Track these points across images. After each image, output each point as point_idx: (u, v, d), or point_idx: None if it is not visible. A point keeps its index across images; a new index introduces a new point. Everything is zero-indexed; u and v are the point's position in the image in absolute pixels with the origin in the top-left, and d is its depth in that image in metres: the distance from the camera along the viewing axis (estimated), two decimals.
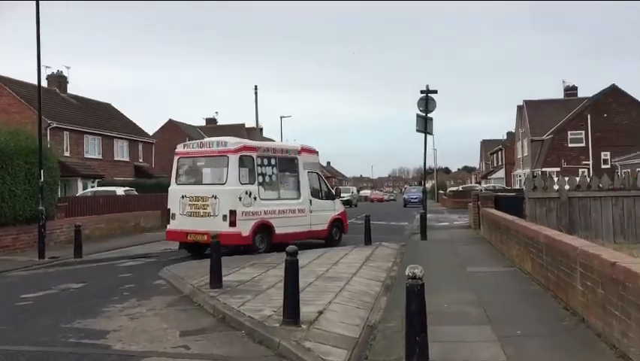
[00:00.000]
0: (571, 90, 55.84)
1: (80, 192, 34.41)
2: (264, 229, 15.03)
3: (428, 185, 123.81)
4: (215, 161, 15.26)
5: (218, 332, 6.97)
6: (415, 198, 56.24)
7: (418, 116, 23.09)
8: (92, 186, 37.69)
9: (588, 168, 47.69)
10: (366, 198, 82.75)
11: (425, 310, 5.04)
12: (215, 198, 14.37)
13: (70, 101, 42.88)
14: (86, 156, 40.18)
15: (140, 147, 47.97)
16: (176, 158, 15.98)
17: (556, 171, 47.57)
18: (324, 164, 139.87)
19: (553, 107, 53.48)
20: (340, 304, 8.12)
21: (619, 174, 39.41)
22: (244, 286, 9.51)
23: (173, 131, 59.67)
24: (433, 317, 6.81)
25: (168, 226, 15.45)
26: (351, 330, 6.82)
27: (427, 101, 23.13)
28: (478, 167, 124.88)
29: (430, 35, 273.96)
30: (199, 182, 15.55)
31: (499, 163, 74.72)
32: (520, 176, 58.61)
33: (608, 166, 46.39)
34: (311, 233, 16.81)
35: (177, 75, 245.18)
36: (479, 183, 79.77)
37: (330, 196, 18.10)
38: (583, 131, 47.93)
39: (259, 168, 15.30)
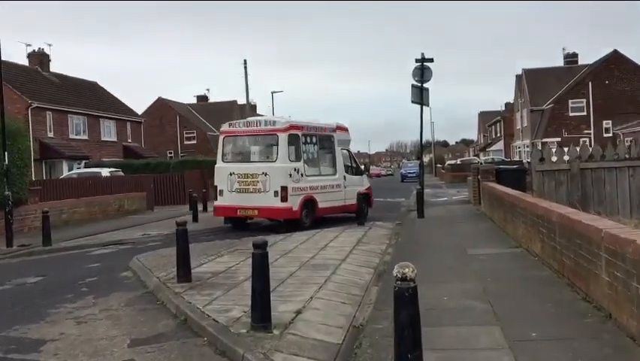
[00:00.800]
0: (571, 58, 54.35)
1: (65, 173, 33.22)
2: (308, 203, 15.71)
3: (426, 159, 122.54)
4: (264, 139, 15.99)
5: (176, 340, 5.86)
6: (413, 173, 55.07)
7: (413, 86, 21.81)
8: (79, 168, 36.54)
9: (590, 138, 46.50)
10: None
11: (419, 319, 3.91)
12: (266, 175, 15.05)
13: (53, 80, 41.38)
14: (70, 137, 38.88)
15: (129, 126, 46.60)
16: (221, 137, 16.55)
17: (557, 142, 46.42)
18: None
19: (554, 75, 52.08)
20: (323, 299, 7.00)
21: (629, 142, 38.39)
22: (217, 279, 8.39)
23: (163, 109, 58.24)
24: (431, 315, 5.73)
25: (216, 202, 16.07)
26: (334, 334, 5.71)
27: (422, 71, 21.84)
28: (476, 139, 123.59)
29: (427, 7, 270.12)
30: (247, 160, 16.15)
31: (498, 135, 73.48)
32: (519, 147, 57.46)
33: (610, 135, 45.23)
34: (344, 207, 17.27)
35: (167, 53, 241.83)
36: (477, 156, 78.60)
37: (358, 172, 18.70)
38: (584, 100, 46.66)
39: (303, 146, 15.96)
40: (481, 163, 27.01)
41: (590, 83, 46.41)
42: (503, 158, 59.54)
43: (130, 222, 19.77)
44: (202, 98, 66.99)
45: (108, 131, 43.77)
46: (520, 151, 56.95)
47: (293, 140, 15.59)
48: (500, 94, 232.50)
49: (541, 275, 7.61)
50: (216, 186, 16.01)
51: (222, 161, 16.20)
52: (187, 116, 59.09)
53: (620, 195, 9.72)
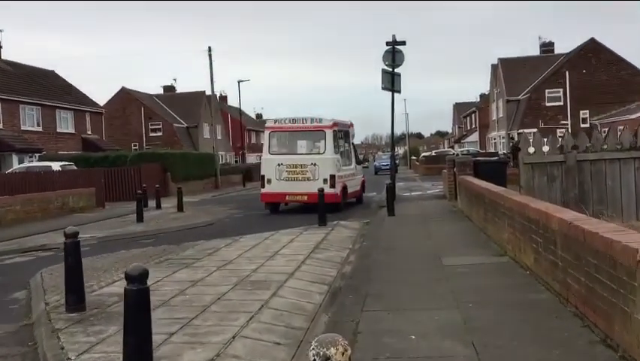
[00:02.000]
0: (547, 46, 53.27)
1: (13, 168, 30.80)
2: (344, 190, 18.30)
3: (400, 151, 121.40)
4: (311, 135, 18.21)
5: None
6: (386, 165, 53.50)
7: (383, 71, 20.11)
8: (30, 161, 34.10)
9: (567, 128, 45.40)
10: None
11: None
12: (315, 165, 17.33)
13: (5, 68, 38.68)
14: (23, 129, 36.32)
15: (88, 117, 44.06)
16: (266, 132, 18.71)
17: (533, 133, 45.27)
18: None
19: (530, 64, 50.93)
20: (250, 338, 5.19)
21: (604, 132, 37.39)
22: (122, 306, 6.50)
23: (127, 100, 55.66)
24: None
25: (263, 190, 17.97)
26: None
27: (393, 54, 20.12)
28: (451, 131, 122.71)
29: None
30: (294, 152, 18.05)
31: (473, 126, 72.39)
32: (494, 139, 56.31)
33: (587, 125, 44.20)
34: (355, 193, 19.90)
35: (134, 42, 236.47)
36: (452, 148, 77.47)
37: (359, 162, 21.42)
38: (561, 90, 45.53)
39: (338, 140, 18.52)
40: (457, 155, 25.46)
41: (566, 73, 45.29)
42: (478, 149, 58.35)
43: (70, 222, 17.57)
44: (169, 89, 64.46)
45: (65, 123, 41.23)
46: (495, 143, 55.79)
47: (335, 135, 18.09)
48: (475, 85, 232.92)
49: (539, 299, 5.90)
50: (263, 176, 17.96)
51: (269, 153, 18.29)
52: (152, 107, 56.58)
53: (625, 192, 8.10)
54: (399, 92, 20.27)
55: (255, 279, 7.64)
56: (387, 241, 10.77)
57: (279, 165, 17.59)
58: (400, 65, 20.02)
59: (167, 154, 32.34)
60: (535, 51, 54.95)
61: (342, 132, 19.10)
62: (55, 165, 27.50)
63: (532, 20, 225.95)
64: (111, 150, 40.23)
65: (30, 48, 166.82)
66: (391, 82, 19.86)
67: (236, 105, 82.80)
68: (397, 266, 8.20)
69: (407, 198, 20.84)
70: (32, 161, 33.99)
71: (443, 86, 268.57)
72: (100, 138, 45.12)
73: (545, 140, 8.44)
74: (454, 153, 55.41)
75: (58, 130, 40.04)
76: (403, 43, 20.27)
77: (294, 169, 17.47)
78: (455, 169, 17.48)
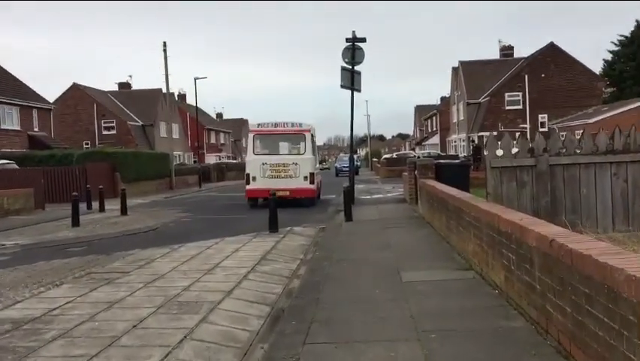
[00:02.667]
0: (507, 50, 53.48)
1: None
2: (319, 185, 21.33)
3: (362, 153, 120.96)
4: (292, 138, 20.39)
5: None
6: (348, 168, 52.78)
7: (343, 69, 19.19)
8: None
9: (525, 132, 45.51)
10: None
11: None
12: (296, 164, 19.42)
13: None
14: None
15: (36, 113, 41.84)
16: (251, 135, 20.52)
17: (499, 135, 45.28)
18: None
19: (490, 68, 50.99)
20: None
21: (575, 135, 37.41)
22: (9, 338, 5.32)
23: (79, 96, 53.41)
24: None
25: (248, 187, 19.69)
26: None
27: (353, 51, 19.23)
28: (412, 134, 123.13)
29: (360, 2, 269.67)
30: (277, 152, 20.06)
31: (434, 129, 72.44)
32: (455, 142, 56.24)
33: (546, 129, 44.38)
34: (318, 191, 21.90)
35: (89, 38, 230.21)
36: (413, 150, 77.41)
37: (320, 163, 24.86)
38: (520, 93, 45.63)
39: (313, 143, 20.55)
40: (418, 157, 24.74)
41: (526, 77, 45.39)
42: (439, 152, 58.19)
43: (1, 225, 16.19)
44: (124, 86, 62.26)
45: (10, 119, 39.02)
46: (455, 145, 55.71)
47: (311, 138, 20.17)
48: (438, 87, 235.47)
49: (512, 328, 5.01)
50: (248, 174, 19.68)
51: (254, 154, 19.99)
52: (106, 105, 54.44)
53: (600, 201, 7.32)
54: (359, 90, 19.40)
55: (184, 299, 6.56)
56: (342, 251, 9.81)
57: (263, 164, 19.55)
58: (360, 62, 19.16)
59: (117, 153, 30.73)
60: (495, 55, 55.13)
61: (313, 135, 20.70)
62: None
63: (496, 23, 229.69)
64: (60, 148, 38.24)
65: None
66: (351, 80, 18.98)
67: (198, 105, 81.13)
68: (351, 282, 7.24)
69: (367, 202, 19.97)
70: None
71: (406, 88, 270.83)
72: (48, 135, 42.98)
73: (514, 142, 7.63)
74: (414, 156, 55.12)
75: (2, 127, 37.84)
76: (363, 40, 19.40)
77: (277, 168, 19.50)
78: (416, 172, 16.69)
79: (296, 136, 20.29)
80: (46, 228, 15.06)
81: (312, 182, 19.52)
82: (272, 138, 20.33)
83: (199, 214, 18.73)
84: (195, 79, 44.55)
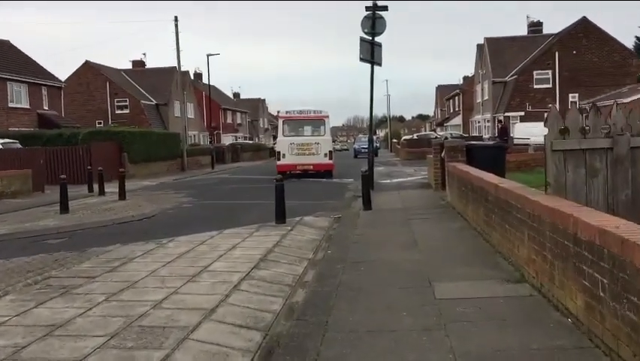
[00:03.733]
0: (535, 26, 50.81)
1: None
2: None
3: (381, 134, 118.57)
4: (314, 122, 24.50)
5: None
6: (367, 148, 51.00)
7: (362, 40, 17.36)
8: None
9: None
10: None
11: None
12: (318, 144, 23.78)
13: None
14: None
15: (45, 91, 40.58)
16: (280, 120, 25.28)
17: (520, 116, 43.03)
18: (275, 113, 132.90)
19: (517, 45, 48.50)
20: None
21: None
22: None
23: (92, 74, 52.09)
24: None
25: (278, 162, 23.95)
26: None
27: (373, 20, 17.40)
28: (432, 114, 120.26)
29: None
30: (301, 134, 24.30)
31: (456, 109, 70.06)
32: (478, 122, 54.02)
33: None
34: None
35: (103, 16, 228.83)
36: (434, 131, 75.18)
37: None
38: (550, 71, 43.19)
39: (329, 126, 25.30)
40: (446, 138, 22.82)
41: (556, 53, 42.92)
42: (461, 133, 56.05)
43: None
44: (138, 64, 60.78)
45: (18, 97, 37.81)
46: (479, 126, 53.50)
47: (329, 122, 24.90)
48: (458, 68, 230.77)
49: None
50: (279, 152, 24.23)
51: (283, 136, 24.47)
52: (119, 83, 53.07)
53: None
54: (379, 64, 17.61)
55: (150, 322, 4.98)
56: (359, 249, 8.18)
57: (290, 144, 23.92)
58: (380, 33, 17.33)
59: (124, 132, 29.29)
60: (522, 32, 52.54)
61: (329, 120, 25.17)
62: None
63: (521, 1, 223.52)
64: (70, 128, 36.98)
65: None
66: (371, 52, 17.18)
67: (214, 84, 79.45)
68: (370, 297, 5.61)
69: (387, 187, 18.28)
70: None
71: (425, 68, 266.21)
72: (58, 114, 41.77)
73: (626, 114, 5.87)
74: (435, 137, 53.02)
75: (10, 105, 36.65)
76: (385, 8, 17.54)
77: (302, 147, 23.89)
78: (443, 154, 14.94)
79: (317, 121, 24.65)
80: (33, 214, 13.65)
81: (330, 158, 24.18)
82: (298, 122, 24.71)
83: (204, 199, 17.21)
84: (208, 55, 43.02)
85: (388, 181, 20.49)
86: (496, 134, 35.33)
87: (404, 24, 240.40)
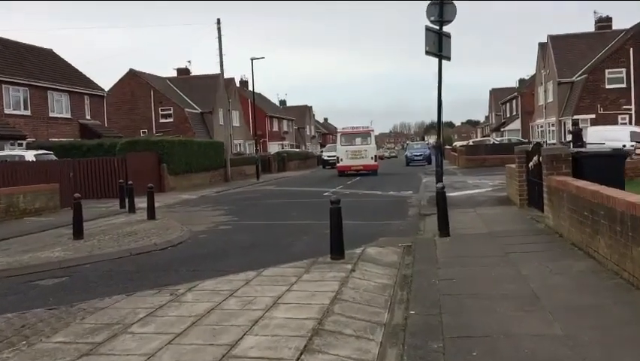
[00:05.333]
0: (604, 22, 46.84)
1: None
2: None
3: (431, 140, 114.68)
4: (363, 135, 33.42)
5: None
6: (420, 156, 48.07)
7: (427, 30, 14.64)
8: (12, 149, 29.66)
9: (630, 115, 39.29)
10: None
11: None
12: (366, 150, 32.59)
13: None
14: (6, 112, 31.84)
15: (87, 100, 39.46)
16: (338, 134, 35.04)
17: (591, 119, 39.26)
18: (321, 120, 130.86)
19: (584, 42, 44.67)
20: None
21: None
22: None
23: (136, 82, 51.07)
24: None
25: (337, 165, 33.63)
26: None
27: (441, 7, 14.74)
28: (484, 119, 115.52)
29: None
30: (354, 143, 33.13)
31: (514, 113, 66.11)
32: (541, 127, 50.22)
33: None
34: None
35: (147, 24, 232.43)
36: (488, 136, 71.39)
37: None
38: (624, 69, 39.25)
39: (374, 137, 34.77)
40: (543, 145, 19.48)
41: (631, 50, 38.95)
42: (520, 138, 52.38)
43: (8, 230, 12.88)
44: (183, 72, 59.63)
45: (59, 107, 36.73)
46: (542, 130, 49.72)
47: (374, 134, 34.13)
48: (509, 70, 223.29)
49: None
50: (337, 157, 33.72)
51: (341, 145, 33.49)
52: (163, 91, 51.86)
53: None
54: (448, 58, 14.91)
55: None
56: (455, 308, 5.59)
57: (346, 151, 32.81)
58: (450, 21, 14.60)
59: (163, 142, 27.42)
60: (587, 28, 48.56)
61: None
62: (29, 155, 23.08)
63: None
64: (112, 137, 35.60)
65: (34, 29, 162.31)
66: (438, 44, 14.52)
67: (260, 91, 77.92)
68: None
69: (457, 202, 15.52)
70: (14, 149, 29.58)
71: (474, 72, 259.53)
72: (101, 123, 40.61)
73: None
74: (492, 142, 49.65)
75: (51, 115, 35.57)
76: None
77: (355, 153, 32.60)
78: (532, 164, 12.15)
79: (365, 134, 33.70)
80: (43, 239, 11.56)
81: (375, 160, 33.09)
82: (351, 135, 33.73)
83: (245, 218, 14.91)
84: (252, 59, 40.82)
85: (456, 194, 17.70)
86: (568, 139, 31.85)
87: (449, 25, 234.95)
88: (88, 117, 39.29)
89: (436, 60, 14.79)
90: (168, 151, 26.63)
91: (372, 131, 34.14)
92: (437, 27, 14.59)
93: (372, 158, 32.50)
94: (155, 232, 11.84)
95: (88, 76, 41.77)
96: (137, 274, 7.89)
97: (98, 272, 8.29)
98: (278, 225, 13.26)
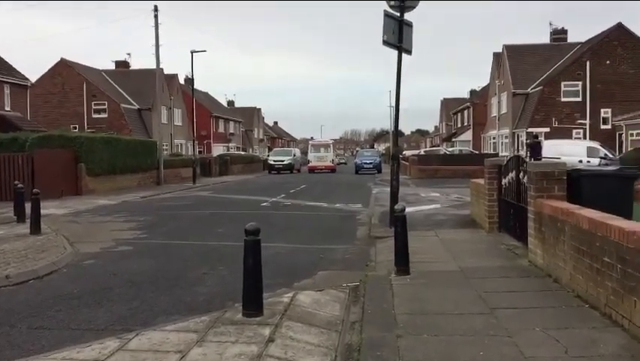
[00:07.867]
0: (559, 34, 46.16)
1: None
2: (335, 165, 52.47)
3: (380, 148, 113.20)
4: (324, 145, 52.06)
5: None
6: (370, 164, 46.04)
7: (386, 16, 12.31)
8: None
9: (585, 129, 38.37)
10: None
11: None
12: (327, 156, 49.74)
13: None
14: None
15: (8, 90, 35.49)
16: (310, 144, 55.96)
17: (545, 132, 38.12)
18: (271, 123, 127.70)
19: (540, 53, 43.84)
20: None
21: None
22: None
23: (68, 73, 47.05)
24: None
25: (308, 165, 50.24)
26: None
27: None
28: (433, 129, 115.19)
29: None
30: (320, 151, 50.30)
31: (465, 124, 65.17)
32: (494, 138, 49.10)
33: (609, 127, 37.28)
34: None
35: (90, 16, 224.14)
36: (438, 146, 70.34)
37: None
38: (580, 82, 38.37)
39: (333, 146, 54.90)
40: (523, 158, 17.28)
41: (587, 63, 38.12)
42: (471, 150, 51.21)
43: None
44: (122, 65, 55.74)
45: None
46: (495, 142, 48.59)
47: (332, 144, 54.47)
48: (461, 82, 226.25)
49: None
50: (309, 160, 51.28)
51: (311, 153, 51.14)
52: (97, 84, 48.00)
53: None
54: (409, 52, 12.64)
55: None
56: None
57: (315, 156, 49.43)
58: (413, 7, 12.37)
59: (82, 137, 24.17)
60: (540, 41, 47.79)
61: (332, 142, 55.20)
62: None
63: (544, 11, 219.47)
64: (34, 131, 31.84)
65: None
66: (398, 34, 12.21)
67: (206, 90, 74.44)
68: None
69: (412, 221, 13.04)
70: None
71: (423, 81, 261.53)
72: (23, 116, 36.64)
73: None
74: (444, 153, 48.18)
75: None
76: None
77: (320, 157, 48.94)
78: (530, 185, 9.93)
79: (327, 145, 51.87)
80: None
81: (333, 163, 49.33)
82: (318, 146, 51.51)
83: (156, 235, 12.13)
84: (192, 52, 37.73)
85: (411, 210, 15.32)
86: (527, 153, 30.30)
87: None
88: (7, 108, 35.32)
89: (394, 54, 12.51)
90: (87, 149, 23.42)
91: (332, 142, 54.59)
92: (397, 14, 12.31)
93: (331, 161, 49.29)
94: (23, 255, 8.95)
95: (10, 63, 37.79)
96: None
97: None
98: (194, 246, 10.58)
